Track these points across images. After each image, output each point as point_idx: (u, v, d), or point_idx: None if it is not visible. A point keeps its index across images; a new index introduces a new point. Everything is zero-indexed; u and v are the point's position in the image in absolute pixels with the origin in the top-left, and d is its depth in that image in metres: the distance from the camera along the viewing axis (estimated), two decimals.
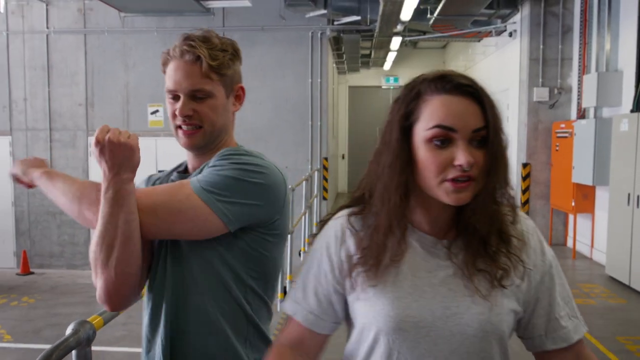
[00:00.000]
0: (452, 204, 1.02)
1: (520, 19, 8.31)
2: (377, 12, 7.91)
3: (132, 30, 9.46)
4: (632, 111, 6.12)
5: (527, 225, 1.13)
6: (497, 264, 1.05)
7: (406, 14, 7.63)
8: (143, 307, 1.40)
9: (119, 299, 1.28)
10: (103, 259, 1.22)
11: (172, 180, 1.43)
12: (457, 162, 0.99)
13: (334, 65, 12.19)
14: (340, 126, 14.56)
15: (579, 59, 7.63)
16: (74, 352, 1.40)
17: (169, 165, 1.50)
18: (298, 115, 9.76)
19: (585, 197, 7.26)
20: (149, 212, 1.24)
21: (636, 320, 4.98)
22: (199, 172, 1.34)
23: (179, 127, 1.36)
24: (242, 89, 1.46)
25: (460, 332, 1.04)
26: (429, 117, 1.02)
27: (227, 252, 1.29)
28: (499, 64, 9.62)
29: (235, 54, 1.41)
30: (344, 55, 11.80)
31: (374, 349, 1.09)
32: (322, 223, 1.20)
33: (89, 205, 1.27)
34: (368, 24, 8.80)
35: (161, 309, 1.32)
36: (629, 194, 5.89)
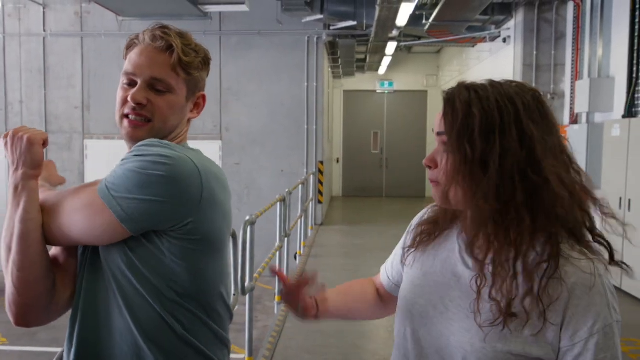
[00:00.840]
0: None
1: (514, 25, 8.42)
2: (373, 17, 7.99)
3: (129, 34, 9.48)
4: (623, 117, 6.22)
5: (583, 279, 0.97)
6: (511, 303, 0.96)
7: (402, 19, 7.71)
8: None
9: (21, 310, 1.14)
10: (3, 262, 1.13)
11: None
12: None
13: (329, 69, 12.27)
14: (335, 130, 14.63)
15: (572, 65, 7.74)
16: None
17: None
18: (294, 119, 9.82)
19: None
20: (50, 212, 1.14)
21: (629, 323, 5.03)
22: None
23: (126, 116, 1.22)
24: (204, 97, 1.34)
25: (446, 335, 1.06)
26: None
27: (140, 261, 1.13)
28: (492, 69, 9.71)
29: (205, 62, 1.31)
30: (340, 60, 11.88)
31: (396, 321, 1.24)
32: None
33: None
34: (364, 29, 8.88)
35: (74, 331, 1.18)
36: (620, 198, 5.98)
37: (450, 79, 13.32)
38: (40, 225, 1.13)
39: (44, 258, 1.14)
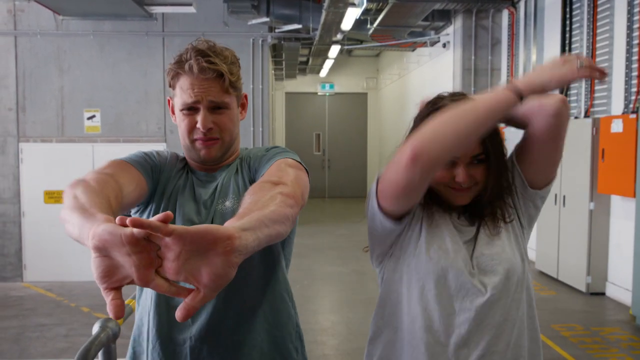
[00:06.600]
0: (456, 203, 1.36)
1: (453, 31, 8.78)
2: (318, 21, 8.12)
3: (67, 33, 9.18)
4: None
5: None
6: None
7: (347, 23, 7.90)
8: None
9: None
10: None
11: (185, 177, 1.42)
12: (457, 179, 1.31)
13: (272, 71, 12.32)
14: (277, 132, 14.68)
15: (507, 69, 8.17)
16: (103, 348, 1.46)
17: None
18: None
19: None
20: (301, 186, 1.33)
21: (567, 310, 5.44)
22: (236, 173, 1.41)
23: (196, 140, 1.36)
24: (246, 96, 1.47)
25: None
26: None
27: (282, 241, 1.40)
28: (432, 72, 10.08)
29: (239, 65, 1.42)
30: (283, 62, 11.95)
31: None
32: None
33: None
34: (309, 32, 9.01)
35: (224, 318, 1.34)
36: (555, 195, 6.40)
37: (390, 82, 13.67)
38: None
39: None
